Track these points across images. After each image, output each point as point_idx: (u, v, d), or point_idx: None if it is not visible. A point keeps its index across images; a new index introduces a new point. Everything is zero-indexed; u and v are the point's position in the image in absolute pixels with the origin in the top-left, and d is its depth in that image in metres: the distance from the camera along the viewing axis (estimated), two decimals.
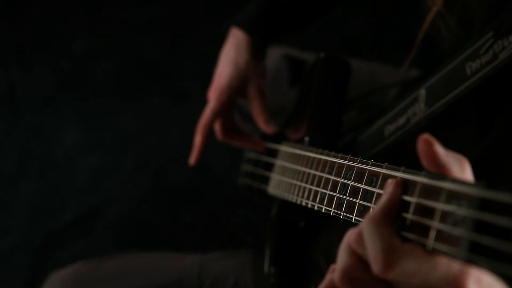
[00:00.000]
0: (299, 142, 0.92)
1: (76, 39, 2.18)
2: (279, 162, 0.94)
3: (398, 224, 0.50)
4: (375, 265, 0.46)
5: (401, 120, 0.81)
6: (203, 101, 1.03)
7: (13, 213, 1.89)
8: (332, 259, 0.76)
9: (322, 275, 0.91)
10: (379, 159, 0.59)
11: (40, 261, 1.79)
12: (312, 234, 0.94)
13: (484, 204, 0.41)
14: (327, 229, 0.94)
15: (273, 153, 0.98)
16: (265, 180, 0.99)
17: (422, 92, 0.77)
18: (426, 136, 0.47)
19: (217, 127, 1.04)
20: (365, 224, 0.48)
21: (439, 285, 0.43)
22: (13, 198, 1.91)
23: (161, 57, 2.15)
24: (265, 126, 1.01)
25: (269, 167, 0.98)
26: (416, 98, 0.78)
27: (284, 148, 0.93)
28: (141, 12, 2.23)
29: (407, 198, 0.50)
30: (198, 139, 1.02)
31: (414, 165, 0.52)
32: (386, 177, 0.55)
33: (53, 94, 2.09)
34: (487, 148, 0.74)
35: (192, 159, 1.04)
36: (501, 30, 0.67)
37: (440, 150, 0.47)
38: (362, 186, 0.59)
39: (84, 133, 2.03)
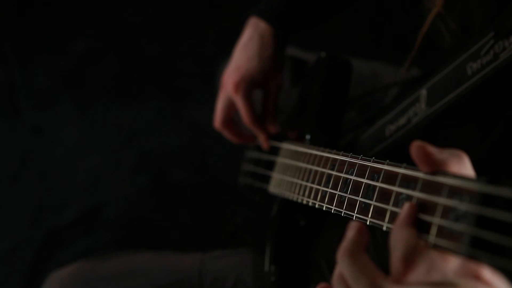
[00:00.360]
0: (300, 141, 0.92)
1: (76, 39, 2.18)
2: (280, 161, 0.94)
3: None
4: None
5: (402, 120, 0.81)
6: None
7: (13, 213, 1.88)
8: (332, 258, 0.76)
9: (321, 274, 0.92)
10: (380, 159, 0.59)
11: (40, 261, 1.78)
12: (313, 232, 0.94)
13: (485, 199, 0.41)
14: (327, 228, 0.94)
15: (274, 152, 0.98)
16: (266, 179, 0.99)
17: (423, 92, 0.78)
18: (416, 142, 0.48)
19: (220, 113, 1.03)
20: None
21: (457, 277, 0.43)
22: (13, 198, 1.91)
23: (161, 57, 2.15)
24: (271, 123, 1.01)
25: (270, 166, 0.99)
26: (417, 98, 0.78)
27: (286, 145, 0.93)
28: (141, 12, 2.23)
29: (409, 192, 0.50)
30: (233, 138, 1.03)
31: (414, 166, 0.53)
32: (388, 173, 0.55)
33: (53, 94, 2.09)
34: (488, 148, 0.74)
35: (264, 143, 1.02)
36: (502, 31, 0.67)
37: (432, 149, 0.48)
38: (364, 180, 0.60)
39: (84, 133, 2.03)
